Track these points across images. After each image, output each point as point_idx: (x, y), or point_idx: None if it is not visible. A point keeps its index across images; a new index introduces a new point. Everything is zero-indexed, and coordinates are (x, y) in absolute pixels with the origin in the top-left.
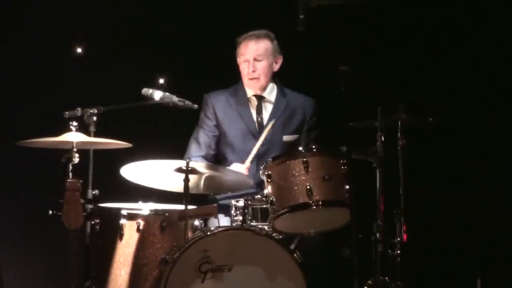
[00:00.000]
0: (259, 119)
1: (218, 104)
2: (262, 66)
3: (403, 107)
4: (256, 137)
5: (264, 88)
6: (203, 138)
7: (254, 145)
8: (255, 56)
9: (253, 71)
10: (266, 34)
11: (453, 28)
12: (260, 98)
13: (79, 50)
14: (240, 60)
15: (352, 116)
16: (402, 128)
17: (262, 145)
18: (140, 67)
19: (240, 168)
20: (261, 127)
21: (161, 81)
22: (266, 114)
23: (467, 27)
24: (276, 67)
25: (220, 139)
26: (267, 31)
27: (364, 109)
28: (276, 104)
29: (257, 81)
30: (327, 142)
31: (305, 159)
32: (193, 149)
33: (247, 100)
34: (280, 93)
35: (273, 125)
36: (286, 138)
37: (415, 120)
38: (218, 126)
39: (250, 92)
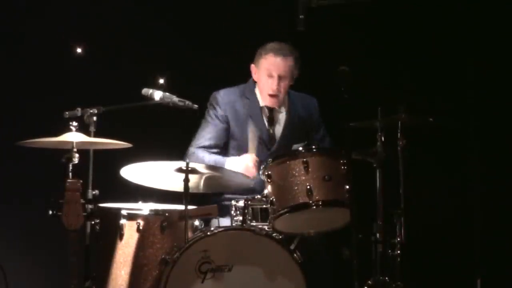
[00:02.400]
0: (271, 131)
1: (230, 106)
2: (284, 84)
3: (403, 107)
4: (267, 146)
5: (279, 104)
6: (211, 136)
7: (265, 155)
8: (280, 74)
9: (277, 89)
10: (292, 51)
11: (453, 28)
12: (272, 110)
13: (79, 50)
14: (261, 71)
15: (352, 116)
16: (402, 128)
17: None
18: (140, 67)
19: (248, 159)
20: (273, 138)
21: (161, 81)
22: (278, 127)
23: (467, 28)
24: (292, 81)
25: (229, 143)
26: (292, 46)
27: (364, 109)
28: (288, 117)
29: (276, 99)
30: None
31: (305, 159)
32: (200, 141)
33: (260, 108)
34: (290, 103)
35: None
36: (295, 146)
37: (415, 120)
38: (228, 129)
39: (262, 102)
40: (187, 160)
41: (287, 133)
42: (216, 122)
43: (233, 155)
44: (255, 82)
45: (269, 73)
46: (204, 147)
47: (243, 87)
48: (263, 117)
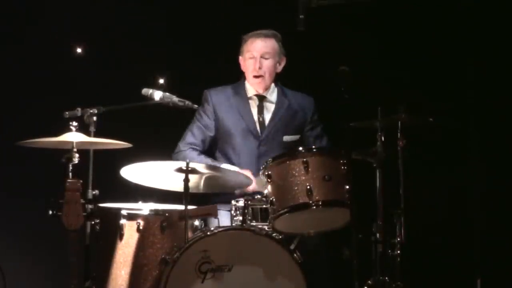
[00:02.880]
0: (260, 119)
1: (219, 103)
2: (268, 65)
3: (403, 107)
4: (256, 136)
5: (266, 88)
6: (198, 133)
7: (255, 145)
8: (262, 54)
9: (259, 68)
10: (274, 34)
11: (453, 28)
12: (262, 98)
13: (79, 50)
14: (245, 56)
15: (352, 116)
16: (402, 128)
17: (262, 145)
18: (140, 67)
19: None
20: (263, 127)
21: (161, 81)
22: (267, 114)
23: (467, 27)
24: (279, 68)
25: (221, 138)
26: (274, 31)
27: (364, 109)
28: (277, 104)
29: (262, 79)
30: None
31: (305, 159)
32: (188, 138)
33: (248, 99)
34: (282, 94)
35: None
36: (286, 138)
37: (415, 120)
38: (217, 126)
39: (251, 91)
40: (175, 157)
41: (277, 120)
42: (203, 119)
43: (226, 150)
44: (245, 78)
45: (250, 54)
46: (190, 143)
47: (235, 85)
48: (252, 108)
